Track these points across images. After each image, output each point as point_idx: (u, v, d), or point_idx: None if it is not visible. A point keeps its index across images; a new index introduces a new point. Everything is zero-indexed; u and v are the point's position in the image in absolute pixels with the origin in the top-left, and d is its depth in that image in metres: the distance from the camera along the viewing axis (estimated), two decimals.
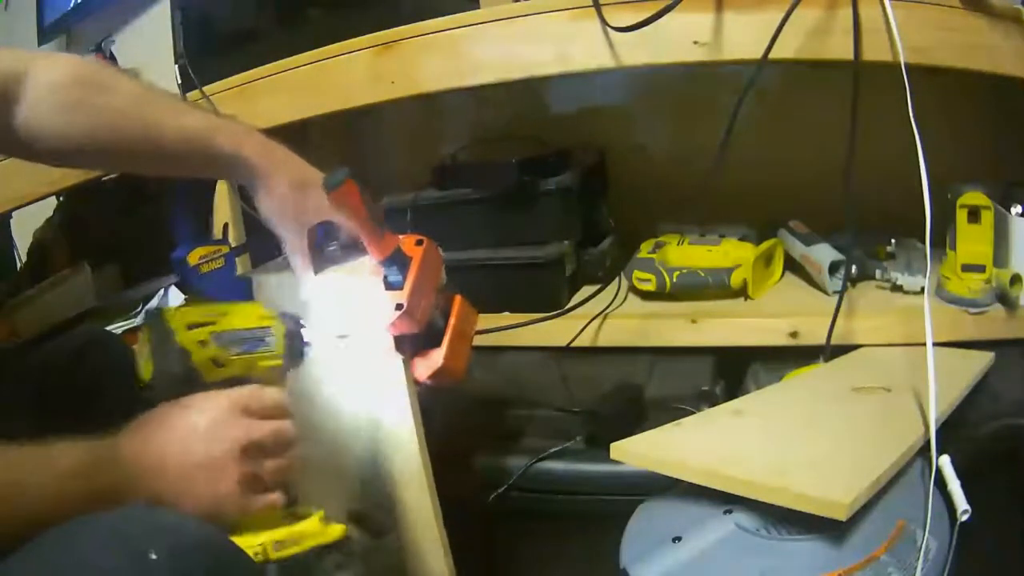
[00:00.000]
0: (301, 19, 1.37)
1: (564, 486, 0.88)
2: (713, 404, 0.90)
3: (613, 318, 1.10)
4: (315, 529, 0.62)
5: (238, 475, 0.57)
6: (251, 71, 1.16)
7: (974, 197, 0.94)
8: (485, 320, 1.08)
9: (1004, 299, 0.93)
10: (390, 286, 0.69)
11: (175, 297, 1.34)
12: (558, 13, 0.97)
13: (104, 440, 0.54)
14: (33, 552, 0.44)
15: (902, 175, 0.78)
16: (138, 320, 1.34)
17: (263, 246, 1.13)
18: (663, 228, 1.25)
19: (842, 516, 0.56)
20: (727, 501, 0.64)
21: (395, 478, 0.76)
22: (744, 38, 0.90)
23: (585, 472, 0.87)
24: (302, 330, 0.71)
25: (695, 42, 0.92)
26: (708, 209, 1.17)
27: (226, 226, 1.22)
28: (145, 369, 0.63)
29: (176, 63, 1.40)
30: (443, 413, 0.90)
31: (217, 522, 0.53)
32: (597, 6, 0.94)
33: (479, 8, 1.05)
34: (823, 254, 1.07)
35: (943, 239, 0.98)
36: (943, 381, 0.70)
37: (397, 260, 0.69)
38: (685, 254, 1.16)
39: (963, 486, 0.63)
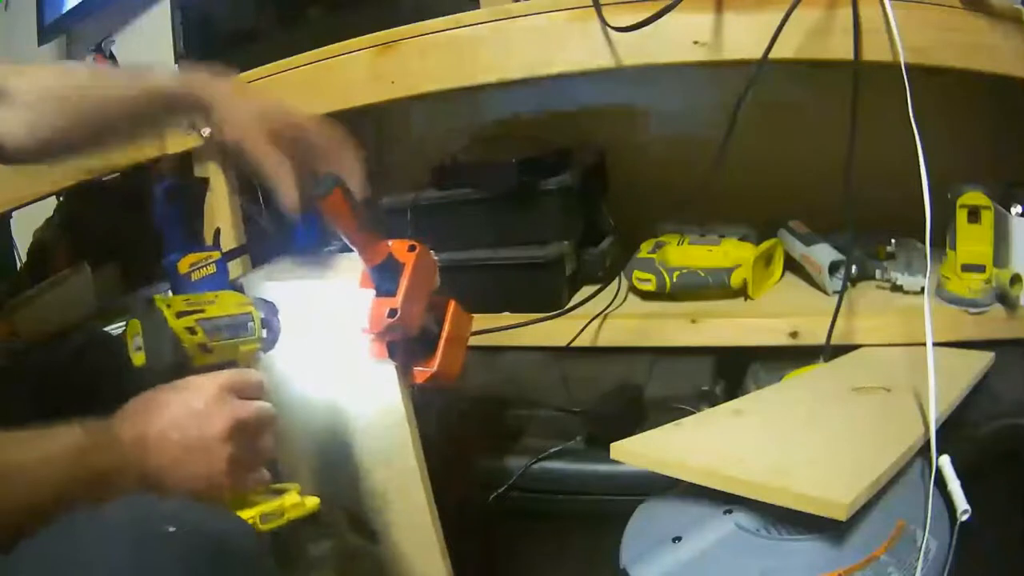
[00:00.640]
0: (301, 19, 1.37)
1: (564, 486, 0.88)
2: (713, 404, 0.90)
3: (613, 318, 1.10)
4: (295, 502, 0.65)
5: (229, 454, 0.58)
6: (251, 71, 1.16)
7: (974, 197, 0.94)
8: (485, 320, 1.09)
9: (1004, 299, 0.93)
10: (383, 292, 0.69)
11: None
12: (558, 13, 0.97)
13: (99, 422, 0.55)
14: (42, 542, 0.44)
15: (902, 175, 0.78)
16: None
17: (263, 246, 1.14)
18: (663, 228, 1.25)
19: (842, 516, 0.56)
20: (727, 501, 0.64)
21: (391, 482, 0.76)
22: (744, 38, 0.90)
23: (585, 472, 0.87)
24: (275, 316, 0.73)
25: (695, 42, 0.92)
26: (708, 209, 1.18)
27: (217, 231, 1.21)
28: (136, 356, 0.65)
29: (176, 63, 1.41)
30: (443, 413, 0.91)
31: (210, 500, 0.56)
32: (597, 6, 0.94)
33: (479, 8, 1.05)
34: (823, 254, 1.07)
35: (943, 239, 0.98)
36: (943, 381, 0.70)
37: (389, 266, 0.68)
38: (685, 254, 1.16)
39: (963, 486, 0.63)
